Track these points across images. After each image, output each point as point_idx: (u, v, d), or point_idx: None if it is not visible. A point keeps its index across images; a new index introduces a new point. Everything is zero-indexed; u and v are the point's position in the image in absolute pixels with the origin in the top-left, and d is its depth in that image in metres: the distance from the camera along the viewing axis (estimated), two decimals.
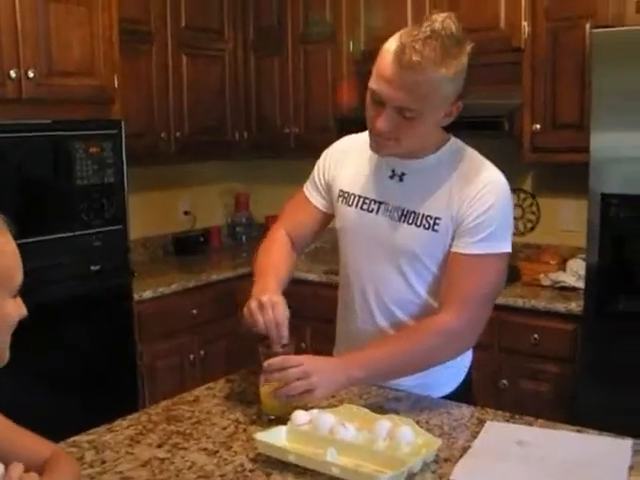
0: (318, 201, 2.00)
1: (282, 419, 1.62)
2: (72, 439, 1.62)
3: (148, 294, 3.42)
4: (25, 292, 1.21)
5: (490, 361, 3.14)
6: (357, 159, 1.91)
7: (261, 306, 1.72)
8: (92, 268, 3.06)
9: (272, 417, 1.68)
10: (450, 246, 1.77)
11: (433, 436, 1.53)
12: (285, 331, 1.71)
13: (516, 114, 3.31)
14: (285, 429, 1.56)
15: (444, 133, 1.82)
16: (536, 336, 3.09)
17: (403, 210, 1.80)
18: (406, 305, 1.85)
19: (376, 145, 1.75)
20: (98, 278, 3.09)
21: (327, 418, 1.54)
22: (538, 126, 3.27)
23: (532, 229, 3.77)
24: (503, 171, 1.79)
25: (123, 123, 3.14)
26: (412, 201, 1.79)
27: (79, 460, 1.52)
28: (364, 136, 1.84)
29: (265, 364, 1.65)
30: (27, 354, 2.89)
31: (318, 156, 2.03)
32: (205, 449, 1.57)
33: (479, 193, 1.73)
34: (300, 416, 1.56)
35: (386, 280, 1.85)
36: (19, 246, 1.18)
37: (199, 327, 3.68)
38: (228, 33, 4.17)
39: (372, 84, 1.68)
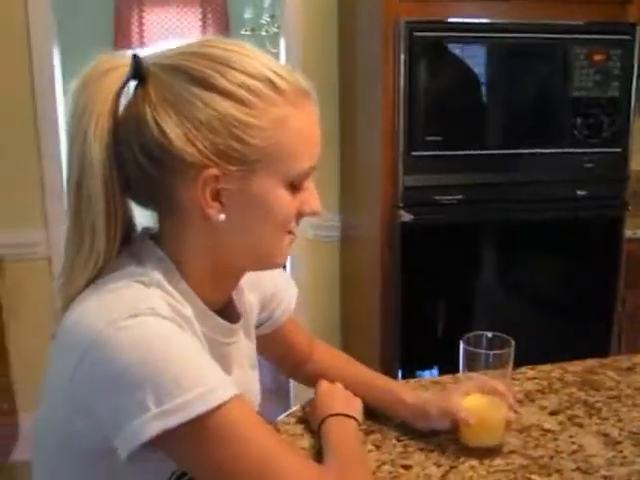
0: None
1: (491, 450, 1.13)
2: (420, 379, 1.42)
3: None
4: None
5: None
6: None
7: None
8: (578, 192, 2.71)
9: (472, 446, 1.14)
10: None
11: None
12: None
13: None
14: None
15: None
16: None
17: None
18: None
19: None
20: (584, 205, 2.73)
21: None
22: None
23: None
24: None
25: None
26: None
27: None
28: None
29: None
30: (496, 270, 2.76)
31: None
32: (605, 435, 1.20)
33: None
34: None
35: None
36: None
37: None
38: None
39: None
